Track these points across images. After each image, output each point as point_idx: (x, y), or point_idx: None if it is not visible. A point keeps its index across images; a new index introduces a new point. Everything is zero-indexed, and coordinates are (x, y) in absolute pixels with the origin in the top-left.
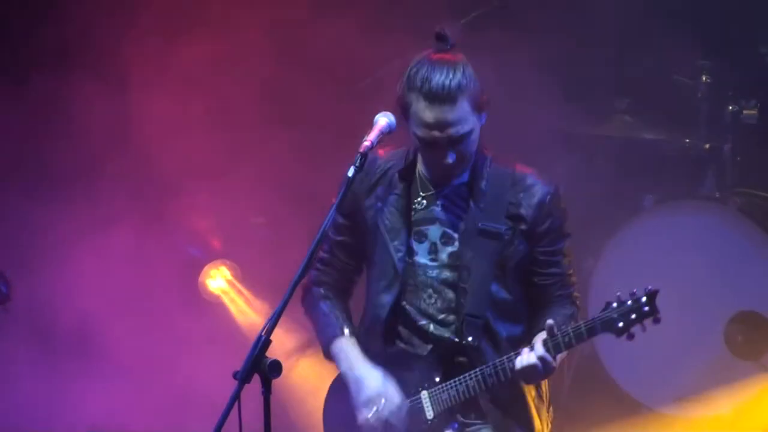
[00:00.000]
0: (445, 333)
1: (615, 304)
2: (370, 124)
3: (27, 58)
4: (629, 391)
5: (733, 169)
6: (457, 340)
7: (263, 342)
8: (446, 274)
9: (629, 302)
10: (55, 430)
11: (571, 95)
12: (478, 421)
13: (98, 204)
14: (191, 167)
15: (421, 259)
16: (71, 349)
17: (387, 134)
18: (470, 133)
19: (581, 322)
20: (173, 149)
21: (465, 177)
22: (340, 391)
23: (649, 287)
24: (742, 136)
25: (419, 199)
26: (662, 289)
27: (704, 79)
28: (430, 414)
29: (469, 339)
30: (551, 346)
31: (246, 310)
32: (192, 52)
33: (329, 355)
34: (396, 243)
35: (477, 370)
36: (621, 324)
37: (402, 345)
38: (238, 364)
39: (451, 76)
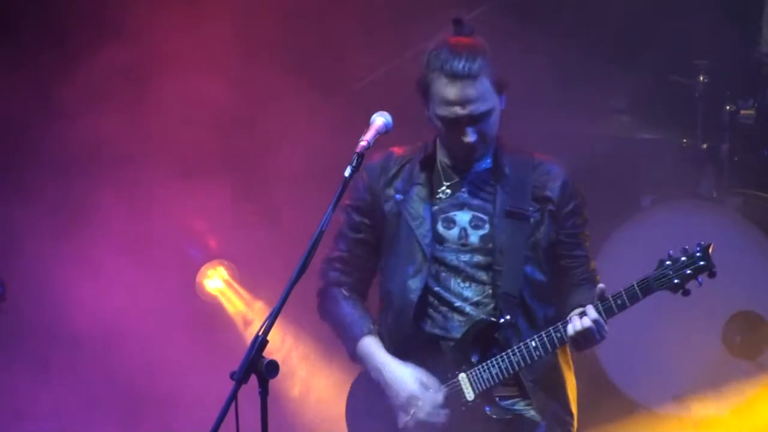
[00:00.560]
0: (482, 314)
1: (668, 262)
2: (367, 124)
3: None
4: (627, 391)
5: (731, 169)
6: (493, 319)
7: (260, 342)
8: (478, 257)
9: (683, 258)
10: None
11: (569, 95)
12: (519, 399)
13: (92, 202)
14: (187, 167)
15: (452, 245)
16: (67, 349)
17: (383, 134)
18: (491, 111)
19: (634, 282)
20: (171, 148)
21: (488, 162)
22: (366, 390)
23: (702, 242)
24: (740, 136)
25: (443, 188)
26: (659, 290)
27: (702, 78)
28: (470, 395)
29: (507, 317)
30: (602, 309)
31: (243, 310)
32: (191, 45)
33: (355, 355)
34: (422, 230)
35: (521, 344)
36: (677, 280)
37: (434, 330)
38: (236, 364)
39: (472, 56)
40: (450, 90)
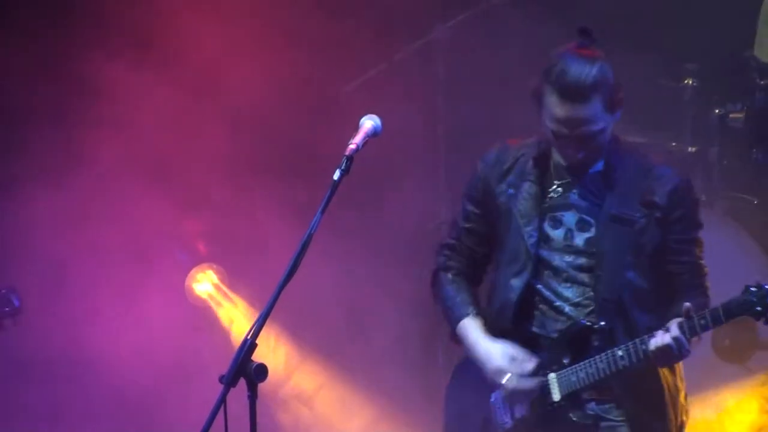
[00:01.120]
0: (581, 316)
1: (754, 288)
2: (356, 128)
3: None
4: None
5: (720, 173)
6: (589, 323)
7: (249, 346)
8: (582, 260)
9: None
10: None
11: None
12: (608, 405)
13: (80, 204)
14: (176, 171)
15: (557, 245)
16: (59, 351)
17: (372, 137)
18: (601, 131)
19: (718, 305)
20: (156, 153)
21: (600, 165)
22: (465, 373)
23: None
24: (729, 139)
25: (555, 186)
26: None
27: (690, 82)
28: (556, 396)
29: (602, 323)
30: (686, 328)
31: (232, 314)
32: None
33: (455, 336)
34: (529, 228)
35: (609, 352)
36: (759, 308)
37: (532, 328)
38: (224, 368)
39: (586, 72)
40: (559, 109)
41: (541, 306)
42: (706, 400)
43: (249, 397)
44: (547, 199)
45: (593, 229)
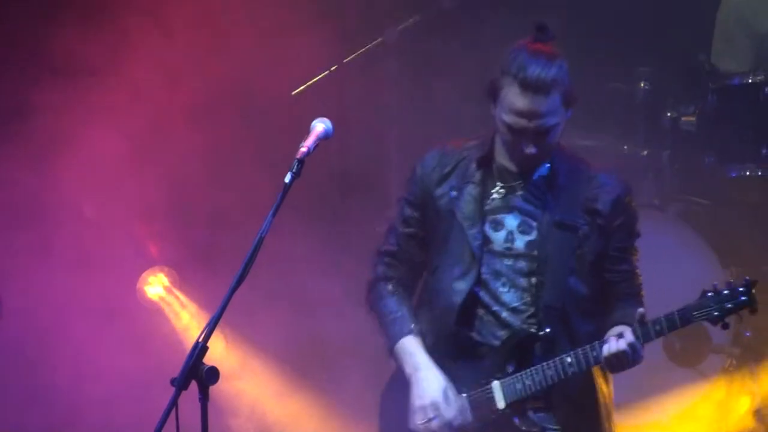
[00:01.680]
0: (520, 323)
1: (711, 293)
2: (307, 131)
3: None
4: None
5: (672, 176)
6: (533, 331)
7: (200, 349)
8: (522, 263)
9: (725, 291)
10: None
11: None
12: (546, 414)
13: (33, 203)
14: (129, 173)
15: (497, 247)
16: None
17: (324, 140)
18: (556, 126)
19: (674, 311)
20: (111, 153)
21: (544, 170)
22: (400, 389)
23: (747, 278)
24: (681, 142)
25: (498, 188)
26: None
27: (642, 85)
28: (501, 404)
29: (547, 330)
30: (641, 334)
31: (183, 317)
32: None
33: (392, 353)
34: (473, 231)
35: (557, 359)
36: (717, 313)
37: (473, 334)
38: (176, 370)
39: (548, 67)
40: (520, 100)
41: (479, 311)
42: (659, 403)
43: (200, 399)
44: (489, 202)
45: (535, 233)
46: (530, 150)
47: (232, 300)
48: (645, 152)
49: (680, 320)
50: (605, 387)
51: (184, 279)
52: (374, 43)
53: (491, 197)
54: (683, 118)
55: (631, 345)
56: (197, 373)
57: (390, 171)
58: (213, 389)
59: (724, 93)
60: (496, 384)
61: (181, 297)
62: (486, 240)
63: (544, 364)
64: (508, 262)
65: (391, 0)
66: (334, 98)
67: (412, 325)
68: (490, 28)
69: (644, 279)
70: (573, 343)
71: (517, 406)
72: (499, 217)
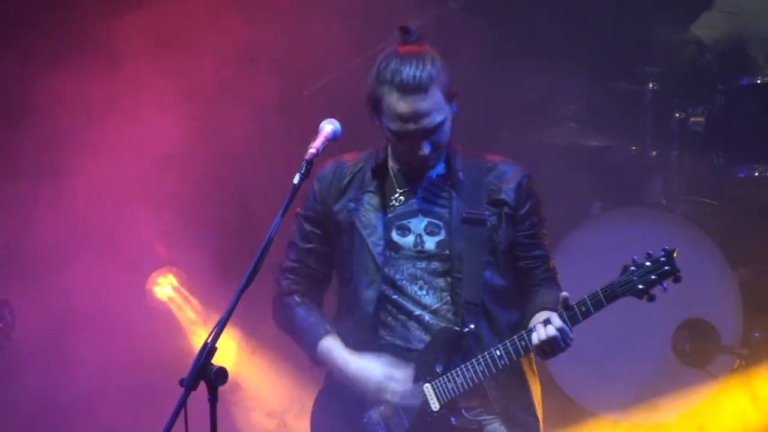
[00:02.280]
0: (443, 323)
1: (633, 267)
2: (316, 132)
3: None
4: (576, 398)
5: (680, 177)
6: (457, 328)
7: (209, 349)
8: (435, 264)
9: (648, 263)
10: None
11: (517, 103)
12: (483, 409)
13: (41, 205)
14: (136, 174)
15: (408, 252)
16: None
17: (332, 141)
18: (444, 122)
19: (598, 289)
20: (120, 155)
21: (441, 168)
22: (329, 398)
23: (666, 246)
24: (689, 143)
25: (397, 195)
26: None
27: (651, 86)
28: (435, 406)
29: (471, 326)
30: (567, 317)
31: (192, 317)
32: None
33: (316, 358)
34: (374, 239)
35: (485, 354)
36: (641, 286)
37: (395, 340)
38: (184, 371)
39: (421, 66)
40: (402, 104)
41: (400, 317)
42: (668, 404)
43: (209, 400)
44: (391, 209)
45: (443, 232)
46: (424, 152)
47: (242, 300)
48: (653, 153)
49: (605, 297)
50: (533, 377)
51: (193, 279)
52: (383, 44)
53: (392, 204)
54: (691, 119)
55: (560, 329)
56: (206, 373)
57: None
58: (221, 388)
59: (732, 93)
60: (427, 387)
61: (190, 297)
62: (395, 247)
63: (474, 360)
64: (422, 264)
65: (400, 1)
66: (342, 99)
67: (328, 326)
68: (492, 29)
69: None
70: (498, 335)
71: (451, 405)
72: (404, 222)
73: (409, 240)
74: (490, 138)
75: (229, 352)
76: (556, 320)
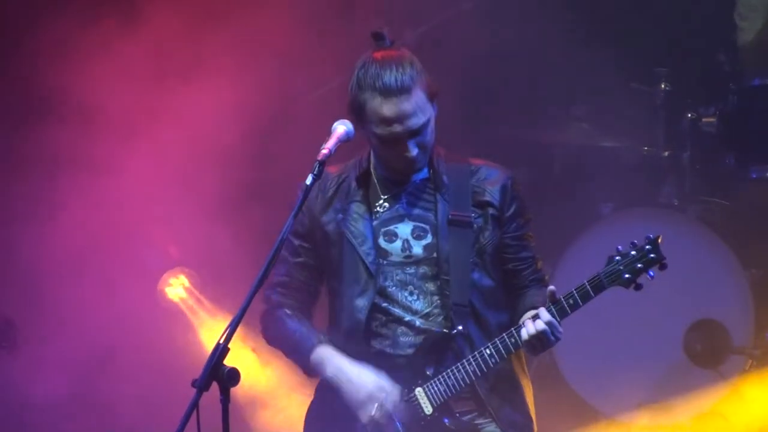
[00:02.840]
0: (434, 326)
1: (618, 257)
2: (328, 132)
3: None
4: (588, 399)
5: (692, 177)
6: (446, 330)
7: (221, 350)
8: (424, 268)
9: (633, 252)
10: None
11: (529, 103)
12: (477, 413)
13: (50, 206)
14: (149, 174)
15: (396, 258)
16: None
17: (345, 142)
18: (429, 122)
19: (584, 281)
20: (132, 156)
21: (425, 172)
22: (323, 408)
23: (651, 234)
24: (701, 143)
25: (382, 201)
26: (620, 299)
27: (663, 86)
28: (428, 409)
29: (459, 328)
30: (556, 311)
31: (204, 318)
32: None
33: (310, 368)
34: (365, 248)
35: (475, 353)
36: (628, 275)
37: (385, 347)
38: (197, 372)
39: (401, 68)
40: (386, 107)
41: (390, 324)
42: (680, 405)
43: (222, 401)
44: (377, 215)
45: (430, 236)
46: (411, 154)
47: (254, 301)
48: (665, 153)
49: (592, 289)
50: (524, 377)
51: (205, 280)
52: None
53: (376, 211)
54: (703, 119)
55: (549, 323)
56: (218, 374)
57: None
58: (233, 390)
59: (744, 94)
60: (419, 391)
61: (202, 298)
62: (383, 253)
63: (464, 360)
64: (411, 270)
65: (409, 3)
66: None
67: (321, 336)
68: (506, 28)
69: (664, 280)
70: (487, 336)
71: (444, 407)
72: (390, 228)
73: (397, 245)
74: (503, 139)
75: (244, 357)
76: (545, 314)
